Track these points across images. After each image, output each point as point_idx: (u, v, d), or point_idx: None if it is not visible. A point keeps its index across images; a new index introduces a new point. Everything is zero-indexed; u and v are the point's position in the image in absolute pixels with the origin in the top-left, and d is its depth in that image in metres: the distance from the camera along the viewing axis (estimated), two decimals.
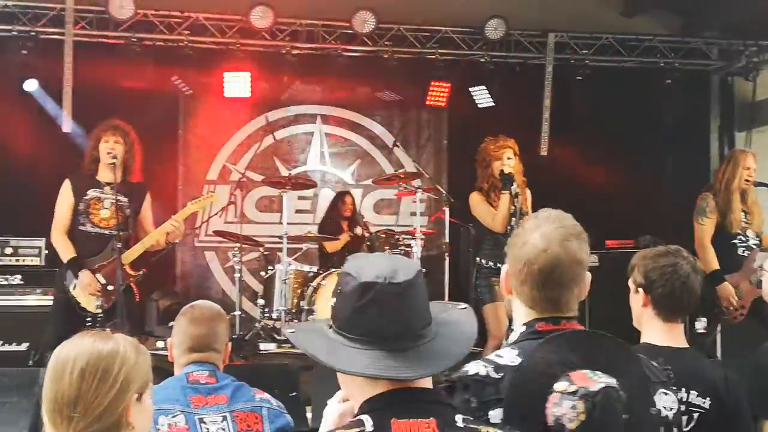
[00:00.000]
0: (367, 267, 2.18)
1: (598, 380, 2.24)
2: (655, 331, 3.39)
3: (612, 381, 2.24)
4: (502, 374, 2.39)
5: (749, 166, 7.35)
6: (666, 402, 2.61)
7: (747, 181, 7.32)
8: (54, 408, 2.27)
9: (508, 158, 7.23)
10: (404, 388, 2.14)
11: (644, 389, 2.43)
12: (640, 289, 3.42)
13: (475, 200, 7.37)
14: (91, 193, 6.98)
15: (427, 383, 2.19)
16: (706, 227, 7.30)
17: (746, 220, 7.33)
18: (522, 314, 2.56)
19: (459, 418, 2.14)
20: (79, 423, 2.24)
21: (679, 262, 3.36)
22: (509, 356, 2.44)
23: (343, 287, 2.18)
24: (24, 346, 8.24)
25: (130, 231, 7.08)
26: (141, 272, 7.06)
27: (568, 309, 2.52)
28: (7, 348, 8.26)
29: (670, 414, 2.63)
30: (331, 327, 2.21)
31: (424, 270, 2.30)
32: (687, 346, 3.43)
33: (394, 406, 2.11)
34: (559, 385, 2.25)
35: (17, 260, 8.69)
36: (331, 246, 9.79)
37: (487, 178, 7.31)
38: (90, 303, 6.86)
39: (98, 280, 6.83)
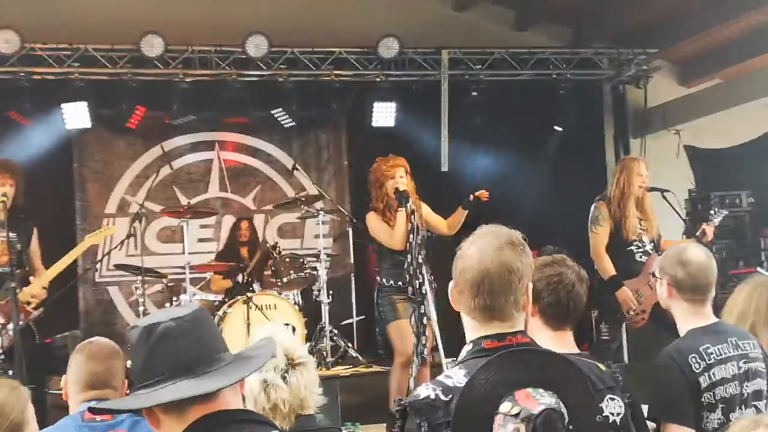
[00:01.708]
0: (149, 317, 2.31)
1: (540, 400, 2.31)
2: (546, 340, 3.39)
3: (552, 401, 2.33)
4: (450, 396, 2.42)
5: (642, 173, 7.46)
6: (613, 407, 2.74)
7: (641, 187, 7.44)
8: None
9: (401, 177, 7.15)
10: (216, 412, 2.19)
11: (589, 399, 2.49)
12: None
13: (372, 220, 7.29)
14: None
15: (235, 404, 2.27)
16: (599, 236, 7.41)
17: (642, 227, 7.42)
18: (469, 329, 2.62)
19: None
20: None
21: (564, 272, 3.36)
22: (457, 377, 2.47)
23: (131, 341, 2.26)
24: None
25: (26, 267, 6.94)
26: (40, 312, 6.91)
27: (508, 317, 2.55)
28: None
29: (618, 419, 2.74)
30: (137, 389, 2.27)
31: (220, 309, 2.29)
32: (579, 351, 3.45)
33: (208, 429, 2.16)
34: (504, 407, 2.32)
35: None
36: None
37: (382, 198, 7.22)
38: None
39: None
